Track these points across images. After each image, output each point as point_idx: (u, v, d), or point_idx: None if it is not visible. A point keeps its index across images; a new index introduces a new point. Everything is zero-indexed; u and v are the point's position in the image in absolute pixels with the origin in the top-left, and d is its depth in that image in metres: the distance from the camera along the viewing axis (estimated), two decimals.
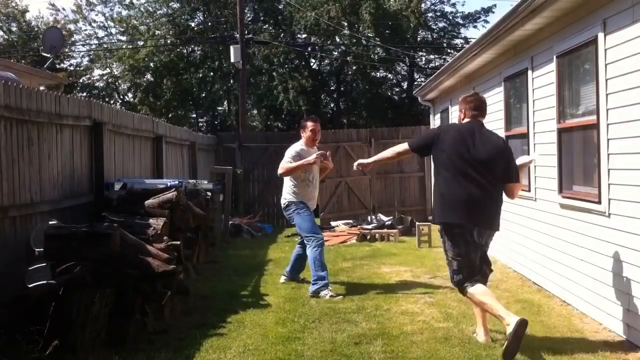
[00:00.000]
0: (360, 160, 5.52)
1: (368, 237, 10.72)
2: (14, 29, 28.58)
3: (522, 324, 4.05)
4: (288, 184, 6.71)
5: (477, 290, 4.40)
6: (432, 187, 5.22)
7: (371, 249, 9.76)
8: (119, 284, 4.56)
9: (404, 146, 5.02)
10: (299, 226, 6.66)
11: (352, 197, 13.60)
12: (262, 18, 27.23)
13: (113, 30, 29.31)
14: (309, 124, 6.72)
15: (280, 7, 26.58)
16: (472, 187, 4.45)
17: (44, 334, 4.17)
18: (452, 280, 4.66)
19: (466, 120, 4.76)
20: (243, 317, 5.43)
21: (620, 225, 4.65)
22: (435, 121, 13.31)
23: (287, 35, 26.69)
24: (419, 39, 26.83)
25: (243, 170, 13.66)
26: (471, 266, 4.50)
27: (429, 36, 27.61)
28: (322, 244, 6.46)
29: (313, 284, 6.25)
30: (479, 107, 4.73)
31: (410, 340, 4.65)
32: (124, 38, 28.52)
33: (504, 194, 4.63)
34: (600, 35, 4.88)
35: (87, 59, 29.33)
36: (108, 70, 28.93)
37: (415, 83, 25.80)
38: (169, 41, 26.37)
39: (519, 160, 4.85)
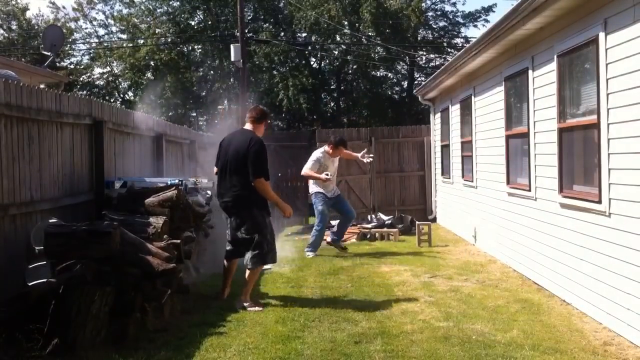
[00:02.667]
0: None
1: (368, 236, 10.72)
2: (14, 27, 28.59)
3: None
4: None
5: None
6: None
7: (371, 248, 9.76)
8: (119, 283, 4.57)
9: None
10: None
11: (352, 196, 13.59)
12: (262, 17, 27.23)
13: (113, 29, 29.35)
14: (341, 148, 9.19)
15: (280, 5, 26.59)
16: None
17: (44, 332, 4.17)
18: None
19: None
20: (243, 315, 5.44)
21: (621, 224, 4.65)
22: (435, 120, 13.32)
23: (287, 34, 26.69)
24: (419, 38, 26.84)
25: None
26: None
27: (430, 35, 27.62)
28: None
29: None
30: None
31: (410, 340, 4.66)
32: (124, 36, 28.54)
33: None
34: (601, 35, 4.88)
35: (87, 57, 29.36)
36: (108, 68, 28.95)
37: (416, 82, 25.83)
38: (169, 40, 26.37)
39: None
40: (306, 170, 9.03)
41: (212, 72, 27.04)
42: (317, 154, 9.13)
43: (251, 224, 5.91)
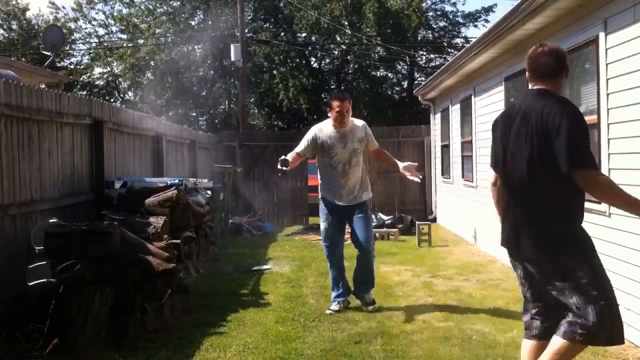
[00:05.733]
0: None
1: None
2: (14, 27, 28.58)
3: None
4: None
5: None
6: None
7: None
8: (119, 283, 4.57)
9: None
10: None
11: None
12: (262, 17, 27.23)
13: (113, 29, 29.35)
14: (334, 104, 5.56)
15: (280, 5, 26.59)
16: None
17: (44, 332, 4.17)
18: None
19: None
20: (243, 315, 5.43)
21: (621, 225, 4.65)
22: (435, 120, 13.32)
23: (287, 34, 26.69)
24: (419, 38, 26.85)
25: (243, 169, 13.67)
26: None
27: (430, 35, 27.62)
28: (328, 257, 5.75)
29: None
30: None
31: (410, 340, 4.66)
32: (124, 36, 28.55)
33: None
34: (601, 35, 4.88)
35: (87, 57, 29.37)
36: (108, 68, 28.95)
37: (416, 82, 25.82)
38: (169, 39, 26.37)
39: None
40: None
41: (212, 72, 27.02)
42: (313, 128, 5.85)
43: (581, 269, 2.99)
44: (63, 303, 4.24)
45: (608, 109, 4.80)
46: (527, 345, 3.23)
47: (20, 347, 4.11)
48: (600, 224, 5.01)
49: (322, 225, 5.74)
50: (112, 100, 27.93)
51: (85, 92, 27.61)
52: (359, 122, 5.71)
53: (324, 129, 5.68)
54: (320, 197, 5.76)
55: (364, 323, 5.13)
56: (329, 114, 5.63)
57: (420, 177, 5.65)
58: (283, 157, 5.40)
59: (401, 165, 5.62)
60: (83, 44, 29.81)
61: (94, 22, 29.12)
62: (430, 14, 27.23)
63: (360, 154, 5.63)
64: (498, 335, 4.73)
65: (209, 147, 13.76)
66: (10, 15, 28.46)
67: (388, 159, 5.85)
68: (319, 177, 5.77)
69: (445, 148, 12.02)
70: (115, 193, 6.65)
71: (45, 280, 4.51)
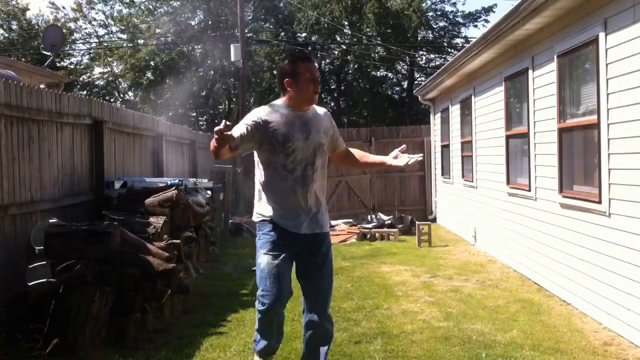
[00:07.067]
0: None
1: (368, 236, 10.72)
2: (14, 27, 28.59)
3: None
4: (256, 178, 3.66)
5: None
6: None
7: (371, 248, 9.77)
8: (119, 283, 4.57)
9: None
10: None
11: (352, 196, 13.61)
12: (262, 17, 27.24)
13: (114, 29, 29.36)
14: (302, 67, 3.40)
15: (280, 5, 26.61)
16: None
17: (44, 332, 4.17)
18: None
19: None
20: (243, 315, 5.43)
21: (621, 225, 4.65)
22: (435, 120, 13.32)
23: (288, 34, 26.71)
24: (419, 38, 26.87)
25: (243, 169, 13.66)
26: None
27: (430, 35, 27.64)
28: (265, 308, 3.36)
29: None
30: None
31: (410, 340, 4.66)
32: (124, 36, 28.56)
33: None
34: (601, 35, 4.88)
35: (87, 57, 29.39)
36: (108, 68, 28.96)
37: (416, 82, 25.84)
38: (169, 39, 26.37)
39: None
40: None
41: (212, 72, 27.03)
42: (259, 109, 3.52)
43: None
44: (63, 303, 4.24)
45: (608, 109, 4.80)
46: None
47: (20, 347, 4.11)
48: (600, 224, 5.01)
49: (262, 261, 3.39)
50: (112, 100, 27.93)
51: (85, 92, 27.62)
52: (320, 109, 3.60)
53: (274, 110, 3.44)
54: (259, 220, 3.52)
55: (364, 323, 5.13)
56: (289, 87, 3.40)
57: (418, 157, 3.77)
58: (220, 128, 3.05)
59: (390, 158, 3.81)
60: (83, 44, 29.85)
61: (94, 23, 29.17)
62: (430, 14, 27.25)
63: (326, 154, 3.58)
64: (498, 335, 4.74)
65: (209, 148, 13.73)
66: (10, 16, 28.48)
67: (367, 157, 3.89)
68: (259, 187, 3.57)
69: (445, 148, 12.03)
70: (115, 193, 6.65)
71: (45, 280, 4.51)
